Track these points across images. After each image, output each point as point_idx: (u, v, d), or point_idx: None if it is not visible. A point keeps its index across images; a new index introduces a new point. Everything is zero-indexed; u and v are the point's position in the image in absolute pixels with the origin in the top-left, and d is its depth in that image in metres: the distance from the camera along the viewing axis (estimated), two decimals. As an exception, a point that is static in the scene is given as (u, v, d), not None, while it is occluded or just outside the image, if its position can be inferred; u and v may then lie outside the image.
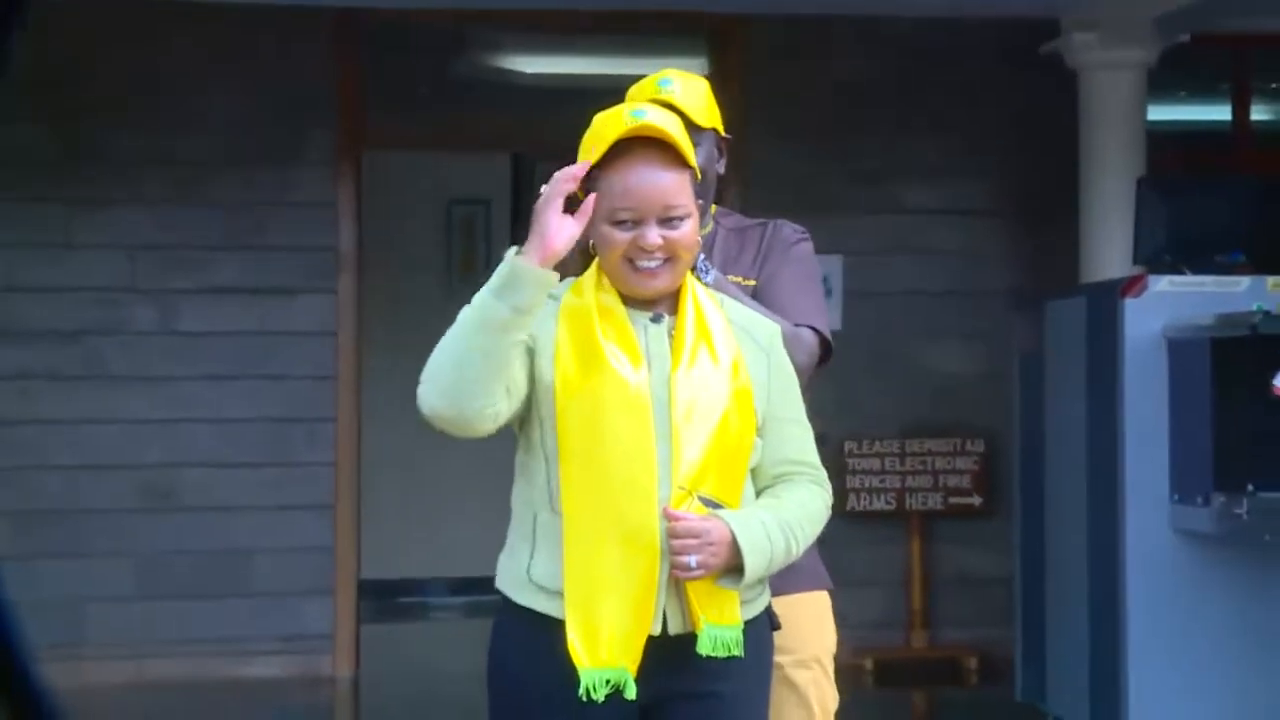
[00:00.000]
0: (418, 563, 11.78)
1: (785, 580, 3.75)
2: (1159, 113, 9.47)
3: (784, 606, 3.80)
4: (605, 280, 3.52)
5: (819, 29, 9.42)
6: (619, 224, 3.47)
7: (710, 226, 4.13)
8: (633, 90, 4.07)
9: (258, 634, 9.15)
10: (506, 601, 3.49)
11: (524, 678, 3.47)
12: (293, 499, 9.20)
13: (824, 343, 4.04)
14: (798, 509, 3.52)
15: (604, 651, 3.34)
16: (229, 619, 9.12)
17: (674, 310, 3.54)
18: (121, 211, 9.13)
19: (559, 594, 3.38)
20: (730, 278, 4.02)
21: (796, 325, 3.97)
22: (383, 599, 11.31)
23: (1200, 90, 10.74)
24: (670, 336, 3.50)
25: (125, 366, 9.09)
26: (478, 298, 3.35)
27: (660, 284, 3.49)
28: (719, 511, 3.38)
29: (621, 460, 3.38)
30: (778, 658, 3.80)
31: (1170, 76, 9.36)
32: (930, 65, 9.66)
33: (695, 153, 3.89)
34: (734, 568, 3.37)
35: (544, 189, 3.37)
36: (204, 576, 9.13)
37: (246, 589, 9.15)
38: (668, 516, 3.33)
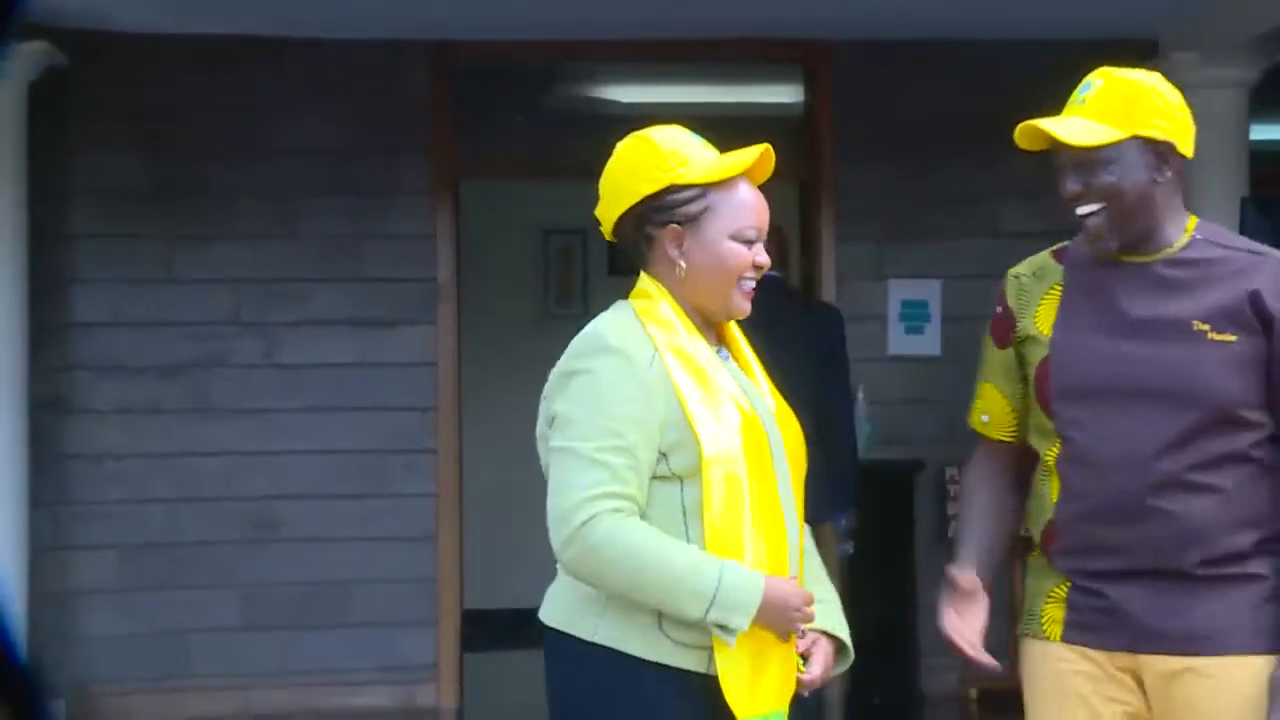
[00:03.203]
0: (521, 592, 11.70)
1: (1214, 641, 3.53)
2: (1262, 131, 9.36)
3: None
4: (681, 310, 3.40)
5: (911, 53, 9.37)
6: (745, 241, 3.40)
7: (1185, 240, 3.70)
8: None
9: (361, 664, 9.16)
10: (621, 657, 3.31)
11: None
12: (395, 530, 9.21)
13: None
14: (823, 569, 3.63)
15: (762, 699, 3.29)
16: (333, 649, 9.15)
17: (719, 342, 3.50)
18: (221, 245, 9.18)
19: (698, 647, 3.28)
20: (1197, 326, 3.60)
21: None
22: (486, 629, 11.31)
23: (1304, 108, 10.62)
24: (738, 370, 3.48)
25: (227, 399, 9.14)
26: (685, 584, 3.21)
27: (749, 306, 3.47)
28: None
29: (763, 504, 3.33)
30: None
31: (1273, 95, 9.26)
32: (1025, 87, 9.56)
33: (1111, 168, 3.64)
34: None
35: (794, 597, 3.30)
36: (307, 607, 9.16)
37: (349, 619, 9.17)
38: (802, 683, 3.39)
